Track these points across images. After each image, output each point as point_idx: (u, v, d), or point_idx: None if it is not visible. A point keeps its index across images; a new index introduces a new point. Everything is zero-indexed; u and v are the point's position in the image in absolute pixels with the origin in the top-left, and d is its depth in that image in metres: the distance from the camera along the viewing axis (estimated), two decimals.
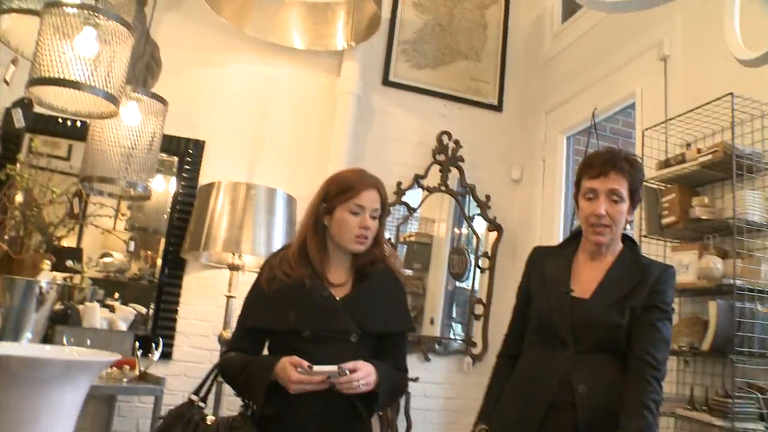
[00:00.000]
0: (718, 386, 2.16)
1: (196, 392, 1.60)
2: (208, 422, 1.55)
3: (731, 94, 1.97)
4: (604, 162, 1.64)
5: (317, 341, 1.55)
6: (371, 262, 1.66)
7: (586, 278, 1.67)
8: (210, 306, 2.81)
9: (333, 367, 1.45)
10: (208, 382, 1.63)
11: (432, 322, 3.45)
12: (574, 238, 1.77)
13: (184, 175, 2.86)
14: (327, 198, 1.65)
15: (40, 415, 0.62)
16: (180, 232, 2.75)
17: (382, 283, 1.67)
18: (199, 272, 2.84)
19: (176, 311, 2.76)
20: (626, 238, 1.72)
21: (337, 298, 1.60)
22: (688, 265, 2.32)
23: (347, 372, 1.45)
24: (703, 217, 2.05)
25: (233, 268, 2.62)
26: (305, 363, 1.45)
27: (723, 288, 2.04)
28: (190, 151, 2.89)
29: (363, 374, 1.47)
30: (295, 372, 1.44)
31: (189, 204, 2.80)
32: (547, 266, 1.73)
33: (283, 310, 1.57)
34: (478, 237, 3.44)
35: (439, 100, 3.44)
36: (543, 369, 1.62)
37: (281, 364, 1.49)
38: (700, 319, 2.26)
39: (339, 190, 1.63)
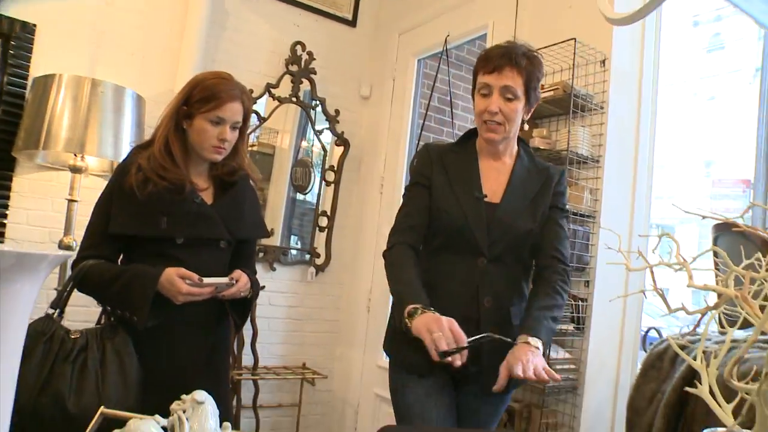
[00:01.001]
0: None
1: (53, 305, 1.61)
2: (73, 336, 1.56)
3: (574, 39, 2.35)
4: (500, 56, 1.66)
5: (188, 247, 1.72)
6: (231, 172, 1.83)
7: (493, 181, 1.76)
8: (46, 210, 2.86)
9: (224, 279, 1.66)
10: (65, 294, 1.64)
11: (272, 232, 3.78)
12: (467, 139, 1.85)
13: (11, 62, 2.80)
14: (188, 102, 1.73)
15: None
16: (8, 128, 2.72)
17: (243, 192, 1.87)
18: (32, 173, 2.86)
19: (5, 216, 2.77)
20: (519, 140, 1.82)
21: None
22: None
23: (234, 282, 1.68)
24: (542, 147, 2.45)
25: (75, 170, 2.68)
26: (195, 276, 1.60)
27: None
28: (16, 34, 2.82)
29: (244, 282, 1.74)
30: (185, 284, 1.59)
31: (18, 96, 2.77)
32: (450, 166, 1.77)
33: (155, 215, 1.68)
34: (325, 150, 3.81)
35: (295, 8, 3.66)
36: (454, 284, 1.71)
37: (167, 276, 1.59)
38: None
39: (201, 98, 1.71)
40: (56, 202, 2.82)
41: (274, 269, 3.58)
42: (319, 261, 3.75)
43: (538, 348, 1.58)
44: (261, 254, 3.53)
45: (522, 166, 1.79)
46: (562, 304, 1.72)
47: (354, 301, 3.75)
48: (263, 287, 3.43)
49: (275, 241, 3.67)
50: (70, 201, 2.67)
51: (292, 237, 3.83)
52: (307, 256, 3.72)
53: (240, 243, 1.88)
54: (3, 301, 0.55)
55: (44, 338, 1.52)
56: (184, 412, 1.07)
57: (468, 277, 1.70)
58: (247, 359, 3.39)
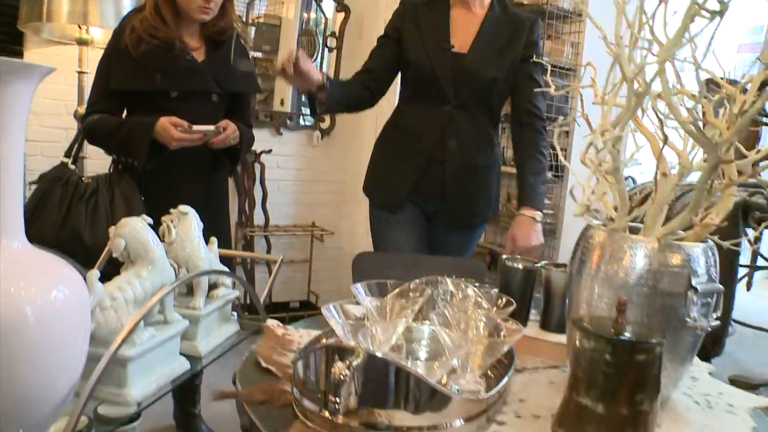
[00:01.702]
0: None
1: (67, 155, 1.87)
2: (85, 181, 1.83)
3: None
4: None
5: (183, 101, 1.93)
6: (220, 32, 2.00)
7: (463, 32, 1.89)
8: (59, 84, 3.10)
9: (210, 127, 1.88)
10: (77, 145, 1.91)
11: (282, 103, 4.01)
12: None
13: None
14: None
15: None
16: (11, 2, 2.89)
17: (232, 49, 2.03)
18: (41, 48, 3.07)
19: None
20: None
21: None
22: None
23: (221, 130, 1.91)
24: (525, 2, 2.60)
25: (82, 42, 2.89)
26: (185, 123, 1.82)
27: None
28: None
29: (232, 130, 1.96)
30: (176, 131, 1.81)
31: None
32: (422, 19, 1.92)
33: (150, 71, 1.88)
34: (326, 18, 3.92)
35: None
36: (420, 127, 1.92)
37: (161, 123, 1.80)
38: None
39: None
40: (68, 75, 3.04)
41: (281, 134, 3.82)
42: (324, 125, 3.98)
43: (537, 219, 1.86)
44: (268, 119, 3.77)
45: (493, 16, 1.91)
46: (546, 164, 1.94)
47: (357, 162, 4.00)
48: (269, 151, 3.75)
49: (281, 107, 3.89)
50: (80, 73, 2.90)
51: (299, 103, 4.03)
52: (313, 120, 3.94)
53: (234, 98, 2.09)
54: (4, 101, 0.78)
55: (60, 182, 1.80)
56: (171, 221, 1.35)
57: (435, 122, 1.90)
58: (258, 219, 3.73)
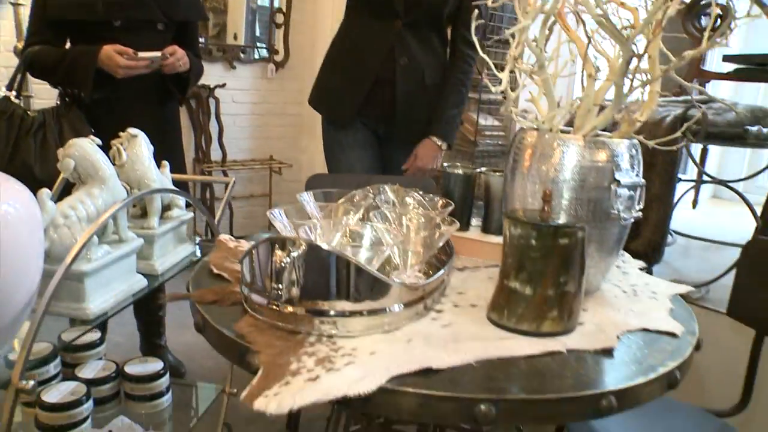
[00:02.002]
0: None
1: (9, 87, 1.81)
2: (31, 114, 1.78)
3: None
4: None
5: (127, 31, 1.90)
6: None
7: None
8: None
9: (157, 53, 1.87)
10: (19, 76, 1.86)
11: (235, 37, 3.94)
12: None
13: None
14: None
15: None
16: None
17: None
18: None
19: None
20: None
21: None
22: None
23: (168, 56, 1.89)
24: None
25: None
26: (130, 50, 1.80)
27: None
28: None
29: (181, 55, 1.94)
30: (122, 58, 1.80)
31: None
32: None
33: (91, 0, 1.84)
34: None
35: None
36: (369, 44, 1.93)
37: (105, 51, 1.78)
38: None
39: None
40: (2, 8, 2.94)
41: (234, 67, 3.78)
42: (278, 58, 3.94)
43: (443, 149, 2.03)
44: (221, 53, 3.71)
45: None
46: (466, 95, 2.05)
47: None
48: (223, 85, 3.71)
49: (235, 41, 3.83)
50: (15, 5, 2.79)
51: (256, 39, 3.97)
52: (266, 54, 3.90)
53: (180, 27, 2.06)
54: None
55: (5, 116, 1.77)
56: (121, 144, 1.37)
57: (384, 39, 1.90)
58: (215, 154, 3.72)
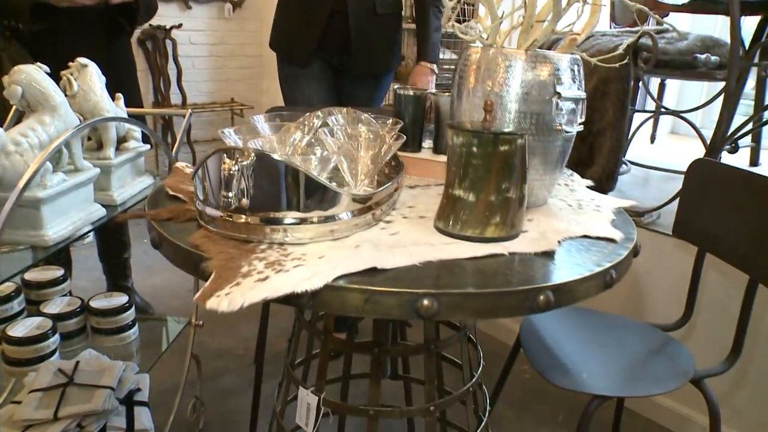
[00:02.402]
0: None
1: None
2: None
3: None
4: None
5: None
6: None
7: None
8: None
9: None
10: None
11: None
12: None
13: None
14: None
15: None
16: None
17: None
18: None
19: None
20: None
21: None
22: None
23: None
24: None
25: None
26: None
27: None
28: None
29: None
30: None
31: None
32: None
33: None
34: None
35: None
36: None
37: None
38: None
39: None
40: None
41: (189, 7, 3.70)
42: None
43: (435, 71, 2.13)
44: None
45: None
46: (438, 40, 2.17)
47: None
48: (180, 25, 3.64)
49: None
50: None
51: None
52: None
53: None
54: None
55: None
56: (71, 74, 1.36)
57: None
58: (175, 98, 3.68)
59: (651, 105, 3.30)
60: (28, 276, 1.73)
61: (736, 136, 1.85)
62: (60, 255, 2.26)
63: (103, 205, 1.34)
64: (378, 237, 0.92)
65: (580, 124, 1.08)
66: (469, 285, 0.80)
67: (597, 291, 0.91)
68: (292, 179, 0.85)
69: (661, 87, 3.02)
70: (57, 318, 1.60)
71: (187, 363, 1.86)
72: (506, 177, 0.91)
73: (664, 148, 3.33)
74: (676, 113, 2.54)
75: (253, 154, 0.82)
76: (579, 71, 1.08)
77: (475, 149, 0.90)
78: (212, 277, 0.78)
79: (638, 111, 2.66)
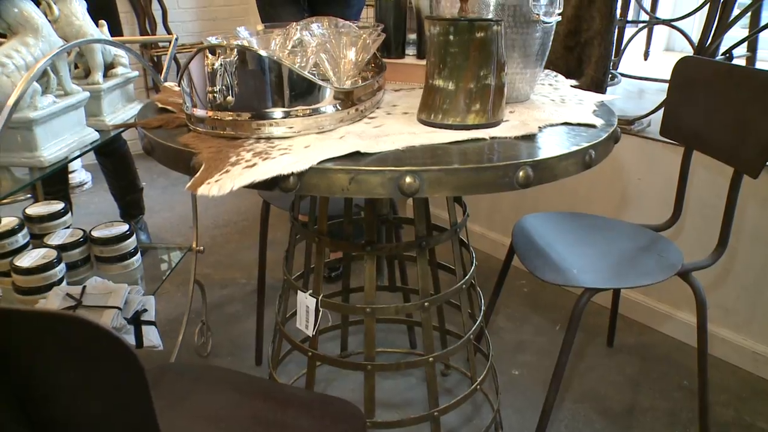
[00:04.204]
0: None
1: None
2: None
3: None
4: None
5: None
6: None
7: None
8: None
9: None
10: None
11: None
12: None
13: None
14: None
15: None
16: None
17: None
18: None
19: None
20: None
21: None
22: None
23: None
24: None
25: None
26: None
27: None
28: None
29: None
30: None
31: None
32: None
33: None
34: None
35: None
36: None
37: None
38: None
39: None
40: None
41: None
42: None
43: None
44: None
45: None
46: None
47: None
48: None
49: None
50: None
51: None
52: None
53: None
54: None
55: None
56: None
57: None
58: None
59: (645, 18, 3.27)
60: (30, 210, 1.77)
61: (731, 46, 1.85)
62: (60, 195, 2.31)
63: (96, 130, 1.37)
64: (363, 129, 0.95)
65: (558, 14, 1.09)
66: (451, 163, 0.83)
67: (577, 170, 0.94)
68: (276, 75, 0.88)
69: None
70: (61, 248, 1.65)
71: (191, 289, 1.92)
72: (484, 64, 0.94)
73: (657, 64, 3.32)
74: (667, 22, 2.53)
75: (235, 51, 0.85)
76: None
77: (452, 37, 0.92)
78: (202, 167, 0.81)
79: (630, 22, 2.64)
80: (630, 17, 2.98)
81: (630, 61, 2.92)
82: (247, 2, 3.98)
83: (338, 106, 0.94)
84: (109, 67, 1.49)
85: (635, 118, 2.03)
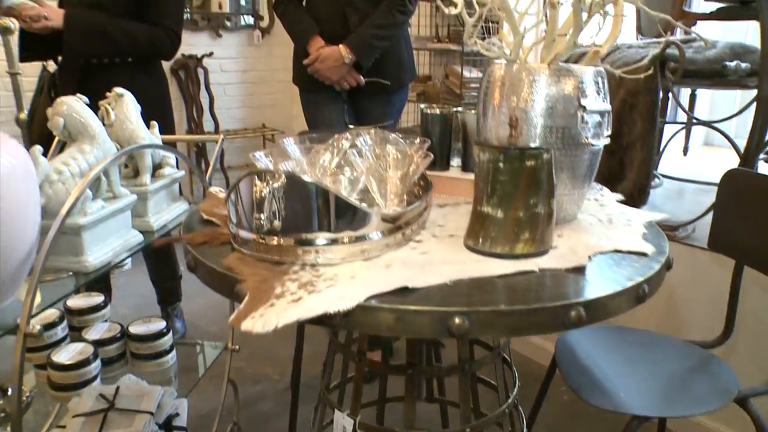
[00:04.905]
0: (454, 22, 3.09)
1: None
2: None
3: None
4: None
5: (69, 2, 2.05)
6: None
7: None
8: None
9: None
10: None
11: (220, 6, 3.94)
12: None
13: None
14: None
15: None
16: None
17: None
18: None
19: None
20: None
21: None
22: None
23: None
24: None
25: None
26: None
27: None
28: None
29: (42, 9, 1.96)
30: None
31: None
32: None
33: None
34: None
35: None
36: (325, 12, 2.14)
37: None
38: None
39: None
40: None
41: (220, 36, 3.79)
42: (264, 24, 3.94)
43: (345, 60, 2.08)
44: (207, 22, 3.72)
45: None
46: (397, 23, 2.13)
47: None
48: (211, 54, 3.72)
49: (220, 9, 3.84)
50: None
51: (236, 4, 3.98)
52: (251, 20, 3.90)
53: None
54: None
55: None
56: (109, 104, 1.41)
57: (335, 4, 2.11)
58: (208, 125, 3.76)
59: (682, 116, 3.26)
60: (71, 303, 1.78)
61: None
62: (100, 281, 2.32)
63: (140, 231, 1.37)
64: (408, 256, 0.93)
65: (606, 137, 1.08)
66: (501, 302, 0.80)
67: (629, 306, 0.90)
68: (323, 200, 0.86)
69: (692, 97, 2.98)
70: (98, 344, 1.64)
71: (224, 388, 1.88)
72: (534, 192, 0.92)
73: (697, 160, 3.28)
74: (708, 124, 2.51)
75: (283, 176, 0.84)
76: (603, 84, 1.08)
77: (501, 165, 0.90)
78: (246, 298, 0.79)
79: (669, 123, 2.63)
80: (668, 115, 2.98)
81: (669, 156, 2.89)
82: (290, 91, 4.10)
83: (384, 232, 0.92)
84: (156, 167, 1.52)
85: (680, 224, 1.98)
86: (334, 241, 0.88)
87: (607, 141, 1.07)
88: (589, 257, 0.96)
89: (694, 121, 2.65)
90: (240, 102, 3.94)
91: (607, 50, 1.08)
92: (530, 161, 0.90)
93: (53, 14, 1.98)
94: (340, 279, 0.84)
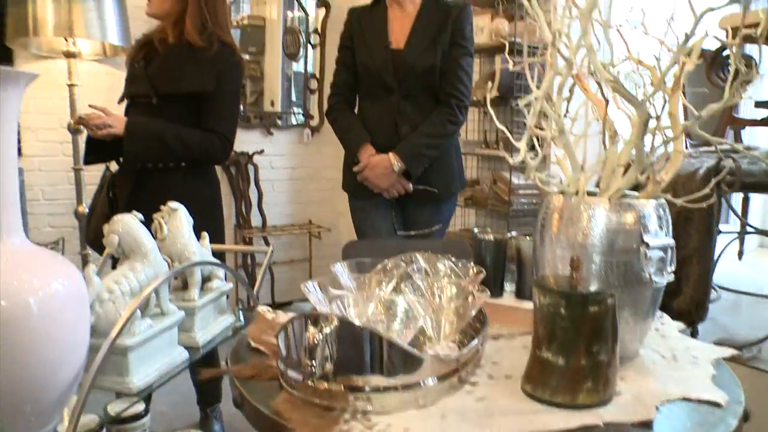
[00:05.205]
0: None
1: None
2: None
3: None
4: None
5: (134, 106, 2.17)
6: (162, 39, 2.11)
7: (399, 30, 2.14)
8: (51, 98, 3.18)
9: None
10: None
11: (272, 104, 4.09)
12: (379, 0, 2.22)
13: None
14: None
15: None
16: None
17: (177, 54, 2.10)
18: (31, 63, 3.15)
19: None
20: None
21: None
22: (483, 27, 3.15)
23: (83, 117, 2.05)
24: None
25: (69, 55, 2.96)
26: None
27: (509, 46, 2.86)
28: None
29: (97, 118, 2.03)
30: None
31: None
32: (365, 24, 2.19)
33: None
34: (307, 15, 4.00)
35: None
36: (376, 120, 2.17)
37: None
38: (493, 75, 3.15)
39: None
40: (59, 88, 3.10)
41: (271, 134, 3.90)
42: (314, 123, 4.05)
43: (394, 168, 2.09)
44: (259, 120, 3.84)
45: (425, 10, 2.13)
46: (447, 132, 2.13)
47: None
48: (261, 151, 3.82)
49: (272, 107, 3.98)
50: (70, 86, 2.96)
51: (293, 104, 4.11)
52: (302, 119, 4.02)
53: (193, 100, 2.11)
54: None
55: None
56: (162, 218, 1.43)
57: (387, 113, 2.14)
58: (256, 220, 3.81)
59: (734, 219, 3.17)
60: (111, 409, 1.75)
61: None
62: None
63: (185, 347, 1.35)
64: (464, 404, 0.88)
65: (670, 272, 1.03)
66: None
67: None
68: (376, 345, 0.83)
69: (745, 202, 2.91)
70: None
71: None
72: (597, 339, 0.87)
73: (753, 266, 3.17)
74: (763, 232, 2.42)
75: (336, 321, 0.82)
76: (666, 216, 1.04)
77: (563, 310, 0.86)
78: None
79: (724, 233, 2.55)
80: (721, 218, 2.90)
81: (723, 261, 2.78)
82: (337, 188, 4.14)
83: (440, 377, 0.88)
84: (205, 280, 1.51)
85: (744, 344, 1.87)
86: (387, 389, 0.84)
87: (671, 278, 1.02)
88: (657, 407, 0.90)
89: (749, 228, 2.57)
90: (288, 198, 4.01)
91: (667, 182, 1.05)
92: (593, 307, 0.86)
93: (117, 122, 2.06)
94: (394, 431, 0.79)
